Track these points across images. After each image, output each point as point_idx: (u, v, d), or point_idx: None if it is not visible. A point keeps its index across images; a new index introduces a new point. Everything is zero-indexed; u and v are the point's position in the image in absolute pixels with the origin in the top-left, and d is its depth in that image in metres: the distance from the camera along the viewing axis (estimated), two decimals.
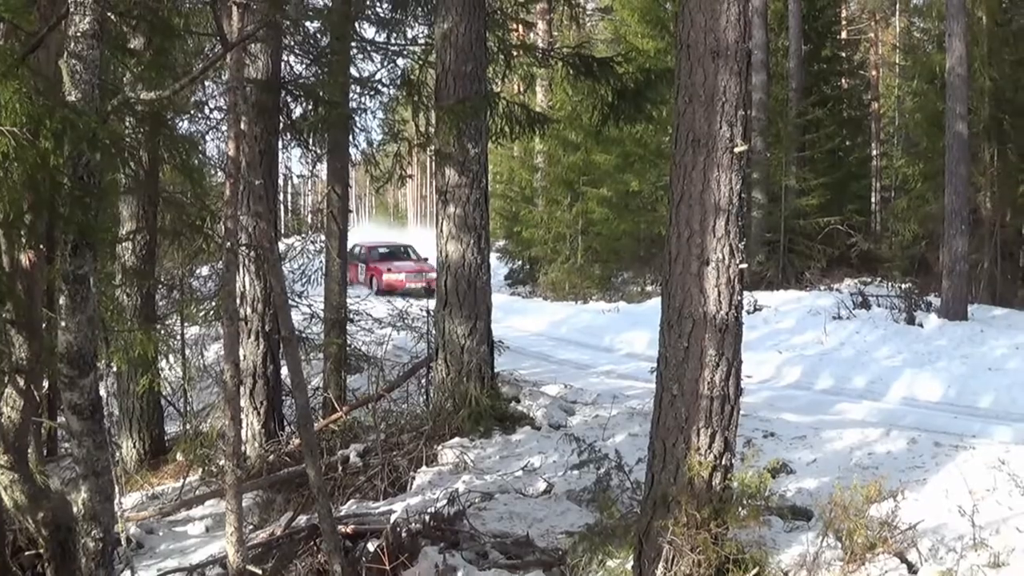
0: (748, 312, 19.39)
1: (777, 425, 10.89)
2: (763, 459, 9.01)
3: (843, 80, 34.06)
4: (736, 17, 6.42)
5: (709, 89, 6.44)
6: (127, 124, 8.01)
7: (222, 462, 9.79)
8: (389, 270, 29.63)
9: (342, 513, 8.99)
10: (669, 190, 6.79)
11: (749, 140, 6.55)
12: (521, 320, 21.24)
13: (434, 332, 12.33)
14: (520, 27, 17.70)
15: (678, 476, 6.41)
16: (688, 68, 6.52)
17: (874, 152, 35.50)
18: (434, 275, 23.09)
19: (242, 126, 7.15)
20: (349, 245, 26.06)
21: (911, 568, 6.97)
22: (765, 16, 27.50)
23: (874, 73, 39.92)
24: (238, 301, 11.32)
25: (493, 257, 32.44)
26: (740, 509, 6.51)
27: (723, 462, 6.46)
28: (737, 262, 6.41)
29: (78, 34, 5.42)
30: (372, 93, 13.89)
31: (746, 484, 6.63)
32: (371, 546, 7.87)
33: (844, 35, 36.79)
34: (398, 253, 32.40)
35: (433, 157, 12.37)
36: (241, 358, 11.38)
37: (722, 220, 6.38)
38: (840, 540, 6.93)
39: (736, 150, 6.42)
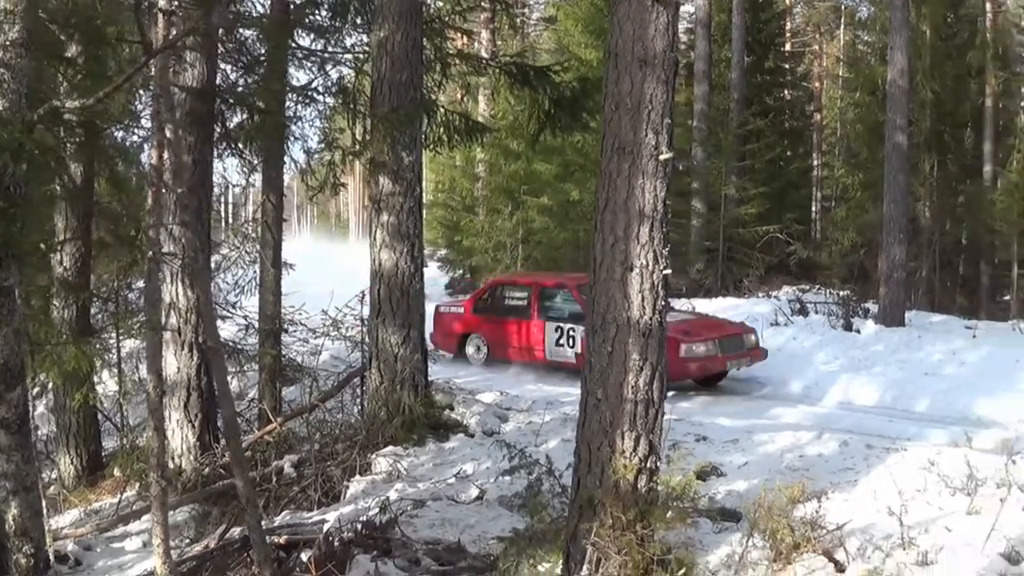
0: None
1: (710, 429, 10.97)
2: (694, 462, 9.14)
3: (786, 91, 34.49)
4: (665, 26, 6.44)
5: (636, 97, 6.45)
6: (58, 134, 7.95)
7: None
8: (687, 333, 15.31)
9: (276, 524, 8.96)
10: (595, 197, 6.84)
11: (673, 148, 6.59)
12: None
13: (368, 341, 12.29)
14: (464, 36, 17.71)
15: (603, 479, 6.44)
16: (615, 76, 6.54)
17: (815, 162, 36.03)
18: (752, 337, 16.18)
19: (168, 134, 7.11)
20: (482, 285, 20.69)
21: (838, 567, 7.03)
22: (709, 27, 27.84)
23: (817, 85, 40.49)
24: (169, 312, 11.24)
25: (434, 267, 32.48)
26: (666, 511, 6.56)
27: (648, 465, 6.49)
28: (661, 268, 6.45)
29: (7, 43, 5.40)
30: (307, 101, 13.82)
31: (672, 487, 6.69)
32: (304, 556, 7.84)
33: (788, 47, 37.32)
34: None
35: (367, 166, 12.32)
36: (174, 370, 11.35)
37: (646, 227, 6.42)
38: (767, 540, 7.00)
39: (661, 157, 6.45)
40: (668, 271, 6.53)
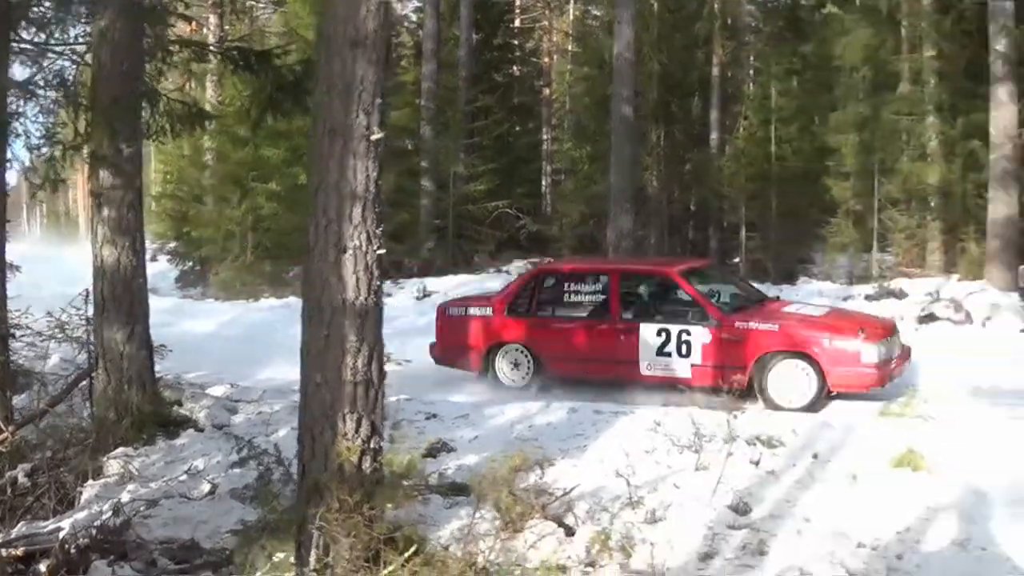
0: (417, 299, 19.99)
1: (440, 406, 11.03)
2: (424, 440, 9.27)
3: (515, 68, 34.95)
4: (376, 6, 6.46)
5: (347, 78, 6.47)
6: None
7: None
8: (863, 330, 11.67)
9: (12, 536, 8.63)
10: (309, 180, 6.83)
11: (385, 128, 6.64)
12: (192, 323, 20.66)
13: (94, 341, 11.89)
14: (192, 22, 17.26)
15: (328, 463, 6.44)
16: (327, 58, 6.56)
17: (545, 136, 36.69)
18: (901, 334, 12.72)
19: None
20: (521, 276, 16.40)
21: (568, 531, 7.26)
22: (437, 6, 27.98)
23: (547, 60, 41.17)
24: None
25: (164, 260, 31.46)
26: (394, 490, 6.63)
27: (371, 445, 6.52)
28: (375, 248, 6.48)
29: None
30: (29, 96, 13.23)
31: (396, 465, 6.77)
32: (43, 566, 7.60)
33: (518, 23, 37.79)
34: (749, 295, 13.82)
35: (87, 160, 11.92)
36: None
37: (359, 207, 6.44)
38: (494, 511, 7.16)
39: (372, 138, 6.48)
40: (382, 251, 6.57)
